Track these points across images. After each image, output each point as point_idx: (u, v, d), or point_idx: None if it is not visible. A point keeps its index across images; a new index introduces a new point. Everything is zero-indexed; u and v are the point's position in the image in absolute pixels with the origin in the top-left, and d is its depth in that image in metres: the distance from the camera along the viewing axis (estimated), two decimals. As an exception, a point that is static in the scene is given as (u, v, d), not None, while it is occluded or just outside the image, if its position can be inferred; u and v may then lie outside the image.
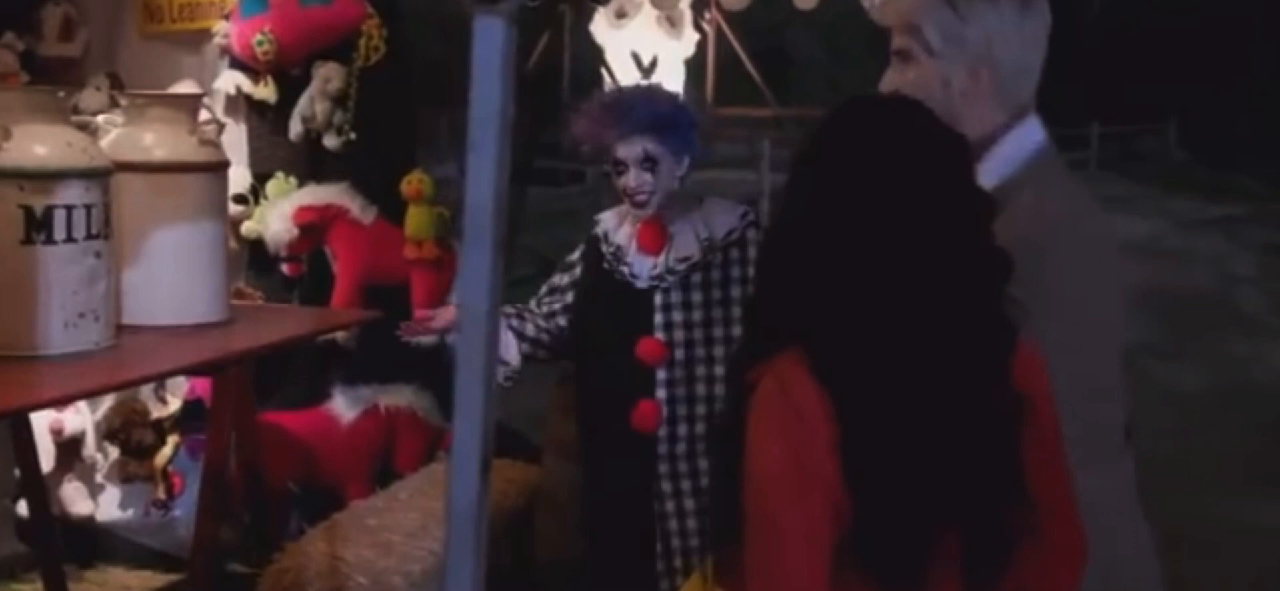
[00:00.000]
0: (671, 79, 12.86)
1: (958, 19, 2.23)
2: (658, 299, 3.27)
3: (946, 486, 1.85)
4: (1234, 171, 20.68)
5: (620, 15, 11.79)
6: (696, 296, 3.24)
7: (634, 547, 3.33)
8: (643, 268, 3.30)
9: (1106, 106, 26.79)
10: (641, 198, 3.26)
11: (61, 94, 3.86)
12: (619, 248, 3.34)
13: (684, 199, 3.32)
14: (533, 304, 3.48)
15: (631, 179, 3.24)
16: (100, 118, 4.26)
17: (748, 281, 3.21)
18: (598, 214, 3.51)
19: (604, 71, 12.76)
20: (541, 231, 10.45)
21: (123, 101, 4.26)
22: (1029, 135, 2.31)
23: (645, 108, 3.31)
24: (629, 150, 3.23)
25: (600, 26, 12.13)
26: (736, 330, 3.18)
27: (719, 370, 3.20)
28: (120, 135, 4.00)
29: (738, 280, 3.24)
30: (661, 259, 3.28)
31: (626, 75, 12.56)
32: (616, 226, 3.37)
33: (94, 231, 3.62)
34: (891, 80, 2.33)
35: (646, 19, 12.04)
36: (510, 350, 3.40)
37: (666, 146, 3.24)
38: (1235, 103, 22.48)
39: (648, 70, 12.78)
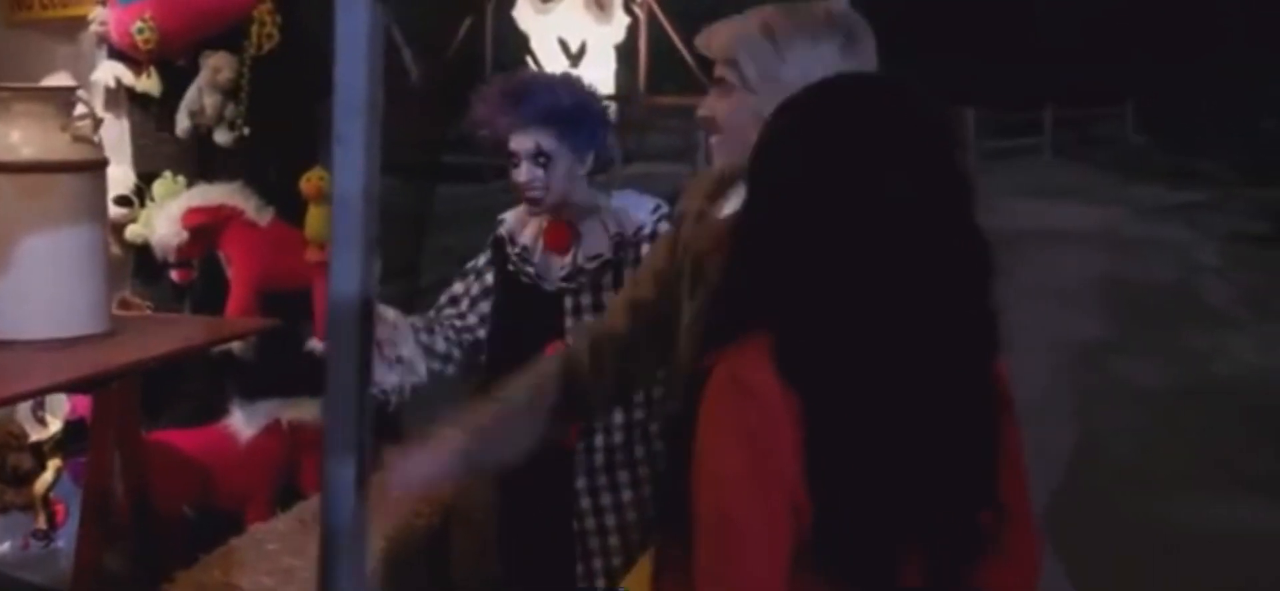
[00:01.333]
0: (601, 66, 12.96)
1: (776, 57, 2.32)
2: (567, 302, 3.27)
3: (922, 493, 1.85)
4: (1195, 156, 20.98)
5: (544, 0, 11.86)
6: (608, 297, 3.23)
7: (552, 564, 3.34)
8: (550, 269, 3.30)
9: (1060, 89, 27.08)
10: (533, 194, 3.25)
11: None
12: (525, 248, 3.34)
13: (591, 195, 3.30)
14: (432, 314, 3.47)
15: (522, 174, 3.24)
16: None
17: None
18: (501, 213, 3.50)
19: (529, 59, 12.83)
20: (460, 232, 10.37)
21: (-10, 97, 4.24)
22: None
23: (545, 97, 3.29)
24: (521, 142, 3.22)
25: (525, 11, 12.17)
26: None
27: None
28: (-14, 132, 3.96)
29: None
30: (569, 259, 3.28)
31: (553, 63, 12.65)
32: (521, 226, 3.36)
33: (-46, 239, 3.59)
34: (709, 105, 2.44)
35: (573, 3, 12.12)
36: (419, 365, 3.39)
37: (565, 142, 3.22)
38: (1196, 83, 22.76)
39: (576, 57, 12.85)
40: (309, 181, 4.77)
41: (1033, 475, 2.08)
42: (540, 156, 3.21)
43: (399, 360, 3.25)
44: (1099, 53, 27.78)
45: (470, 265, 3.47)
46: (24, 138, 3.92)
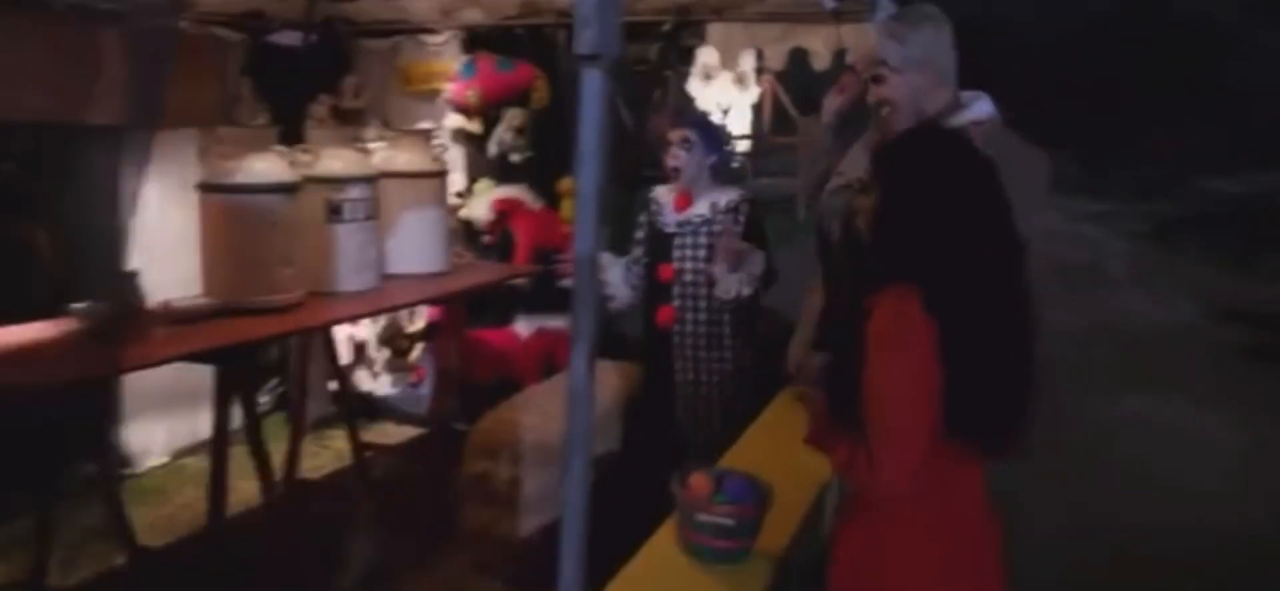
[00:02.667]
0: (741, 118, 12.82)
1: (902, 45, 2.29)
2: (676, 239, 3.19)
3: (1020, 378, 1.78)
4: (1105, 179, 19.75)
5: (707, 77, 11.74)
6: (702, 240, 3.16)
7: (665, 406, 3.24)
8: (671, 219, 3.23)
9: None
10: (676, 165, 3.14)
11: (348, 131, 3.95)
12: (660, 205, 3.27)
13: (706, 183, 3.19)
14: (628, 259, 3.41)
15: (673, 154, 3.14)
16: (372, 144, 4.37)
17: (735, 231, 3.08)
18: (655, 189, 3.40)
19: (695, 114, 12.81)
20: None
21: (387, 135, 4.35)
22: (981, 107, 2.32)
23: (691, 114, 3.24)
24: (676, 134, 3.15)
25: (694, 84, 12.12)
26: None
27: (711, 287, 3.08)
28: (384, 154, 4.05)
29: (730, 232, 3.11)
30: (686, 215, 3.20)
31: (712, 116, 12.52)
32: (663, 195, 3.28)
33: (367, 215, 3.70)
34: (875, 93, 2.38)
35: (725, 80, 12.01)
36: (623, 289, 3.38)
37: (700, 139, 3.15)
38: (1111, 129, 21.32)
39: (725, 112, 12.73)
40: (564, 184, 4.84)
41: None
42: (686, 142, 3.13)
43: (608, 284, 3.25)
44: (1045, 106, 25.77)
45: (639, 219, 3.37)
46: (406, 158, 4.00)
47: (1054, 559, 3.82)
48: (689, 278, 3.15)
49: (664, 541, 2.25)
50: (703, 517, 2.14)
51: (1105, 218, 15.45)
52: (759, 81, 12.65)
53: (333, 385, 4.62)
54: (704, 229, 3.15)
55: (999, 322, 1.76)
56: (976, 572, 1.87)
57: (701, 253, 3.14)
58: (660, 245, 3.20)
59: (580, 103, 1.71)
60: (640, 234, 3.34)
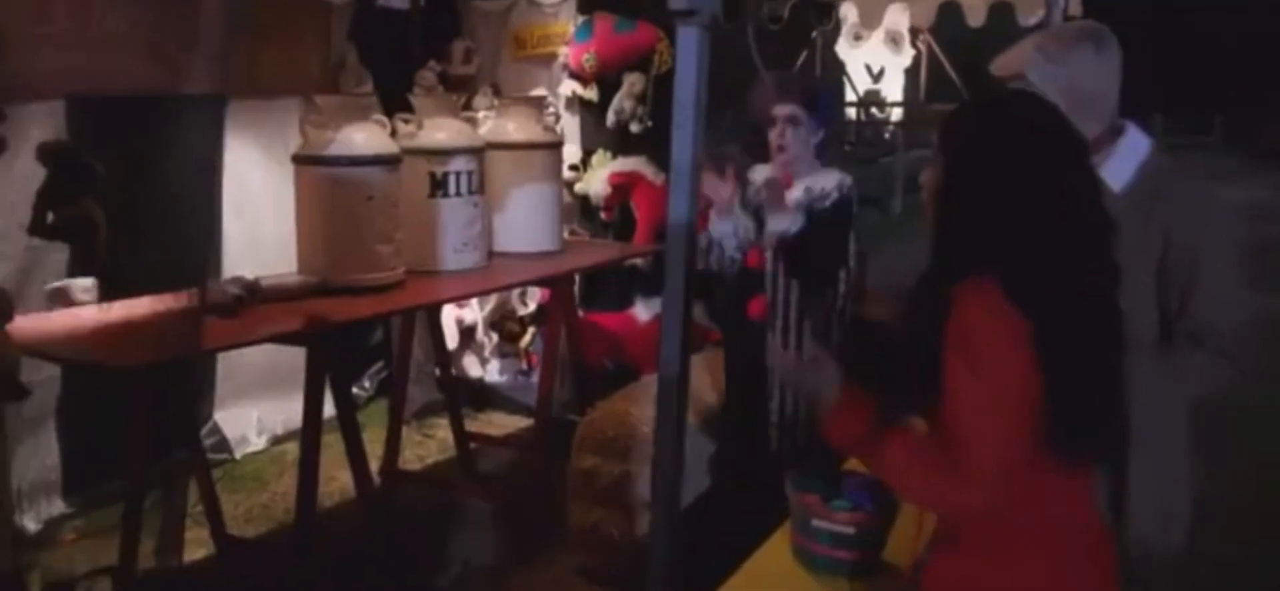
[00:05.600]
0: (894, 83, 12.55)
1: (1049, 63, 2.20)
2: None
3: (1112, 381, 1.73)
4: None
5: (857, 38, 11.52)
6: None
7: (754, 405, 3.19)
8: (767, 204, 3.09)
9: (1230, 96, 24.10)
10: (783, 145, 3.06)
11: (454, 98, 4.05)
12: (756, 186, 3.15)
13: (809, 164, 3.10)
14: None
15: (777, 133, 3.06)
16: (480, 113, 4.46)
17: (832, 220, 3.02)
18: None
19: (845, 79, 12.51)
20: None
21: (497, 103, 4.44)
22: (1138, 143, 2.24)
23: (798, 85, 3.15)
24: (781, 110, 3.05)
25: (843, 46, 11.90)
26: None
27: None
28: (493, 124, 4.16)
29: (827, 221, 3.02)
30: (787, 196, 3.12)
31: (861, 81, 12.26)
32: (760, 175, 3.16)
33: (473, 189, 3.80)
34: None
35: (876, 40, 11.76)
36: (731, 240, 3.16)
37: (808, 114, 3.04)
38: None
39: (876, 77, 12.45)
40: (689, 157, 4.83)
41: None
42: (793, 120, 3.05)
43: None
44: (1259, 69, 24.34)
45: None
46: (516, 127, 4.08)
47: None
48: (780, 267, 3.10)
49: (777, 549, 2.24)
50: (818, 524, 2.13)
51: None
52: (915, 42, 12.36)
53: (437, 371, 4.74)
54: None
55: (1094, 316, 1.70)
56: None
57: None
58: (755, 231, 3.15)
59: (676, 64, 1.71)
60: (734, 238, 3.21)
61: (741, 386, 3.26)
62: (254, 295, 3.18)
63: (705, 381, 3.70)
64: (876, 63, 11.84)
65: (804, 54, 9.26)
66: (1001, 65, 2.31)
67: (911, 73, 12.17)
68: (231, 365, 4.54)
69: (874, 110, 13.20)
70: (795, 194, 3.05)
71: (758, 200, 3.13)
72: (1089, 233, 1.71)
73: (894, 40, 11.23)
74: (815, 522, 2.13)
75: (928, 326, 1.70)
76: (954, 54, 11.54)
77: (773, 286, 3.10)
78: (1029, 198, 1.67)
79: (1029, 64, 2.23)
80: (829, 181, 3.05)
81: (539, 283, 4.51)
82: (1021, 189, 1.68)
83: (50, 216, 2.95)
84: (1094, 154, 2.20)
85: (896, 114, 13.62)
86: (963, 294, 1.67)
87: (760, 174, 3.17)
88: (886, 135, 14.49)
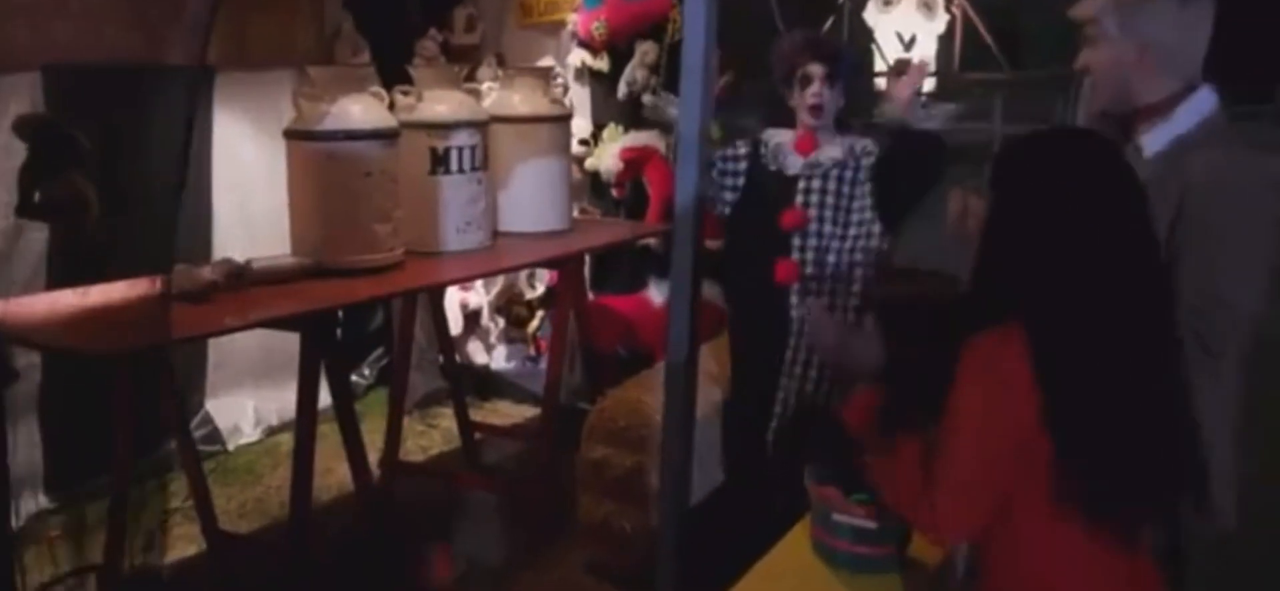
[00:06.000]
0: (927, 51, 12.40)
1: (1127, 11, 2.09)
2: (801, 183, 3.06)
3: (1147, 454, 1.64)
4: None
5: (887, 2, 11.43)
6: (831, 186, 3.01)
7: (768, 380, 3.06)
8: (794, 163, 3.09)
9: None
10: (819, 103, 2.98)
11: (456, 69, 3.98)
12: (778, 146, 3.12)
13: (830, 129, 3.01)
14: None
15: (812, 92, 2.97)
16: (484, 84, 4.39)
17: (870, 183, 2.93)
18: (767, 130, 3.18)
19: (873, 46, 12.40)
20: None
21: (501, 73, 4.37)
22: (1203, 102, 2.11)
23: (828, 44, 3.09)
24: (815, 69, 2.97)
25: (872, 11, 11.78)
26: (857, 214, 2.94)
27: (842, 241, 2.95)
28: (497, 96, 4.07)
29: (864, 184, 2.98)
30: (813, 157, 3.05)
31: (891, 49, 12.12)
32: (776, 137, 3.12)
33: (477, 165, 3.73)
34: (1085, 57, 2.21)
35: (908, 5, 11.63)
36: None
37: (839, 71, 2.98)
38: None
39: (908, 45, 12.31)
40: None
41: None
42: (830, 77, 2.97)
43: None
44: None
45: (732, 150, 3.13)
46: (521, 99, 4.01)
47: None
48: (815, 226, 3.01)
49: (797, 542, 2.19)
50: (838, 518, 2.06)
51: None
52: (949, 7, 12.25)
53: (442, 358, 4.70)
54: (835, 173, 3.00)
55: (1126, 382, 1.61)
56: None
57: (831, 199, 3.00)
58: (780, 190, 3.06)
59: (684, 30, 1.65)
60: (731, 181, 3.15)
61: (753, 365, 3.12)
62: (242, 278, 3.10)
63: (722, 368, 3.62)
64: (908, 29, 11.66)
65: (830, 20, 9.17)
66: (1080, 9, 2.20)
67: (945, 39, 12.01)
68: (223, 352, 4.48)
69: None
70: (831, 152, 2.97)
71: (767, 156, 3.06)
72: (1134, 292, 1.63)
73: (927, 5, 11.06)
74: (836, 517, 2.06)
75: (945, 356, 1.66)
76: (991, 19, 11.39)
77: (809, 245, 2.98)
78: (1079, 255, 1.61)
79: (1104, 9, 2.11)
80: (868, 144, 2.97)
81: (547, 264, 4.45)
82: (1070, 247, 1.62)
83: (36, 195, 2.87)
84: (1159, 117, 2.09)
85: (929, 84, 13.48)
86: (981, 340, 1.62)
87: (774, 136, 3.08)
88: (920, 105, 14.41)
